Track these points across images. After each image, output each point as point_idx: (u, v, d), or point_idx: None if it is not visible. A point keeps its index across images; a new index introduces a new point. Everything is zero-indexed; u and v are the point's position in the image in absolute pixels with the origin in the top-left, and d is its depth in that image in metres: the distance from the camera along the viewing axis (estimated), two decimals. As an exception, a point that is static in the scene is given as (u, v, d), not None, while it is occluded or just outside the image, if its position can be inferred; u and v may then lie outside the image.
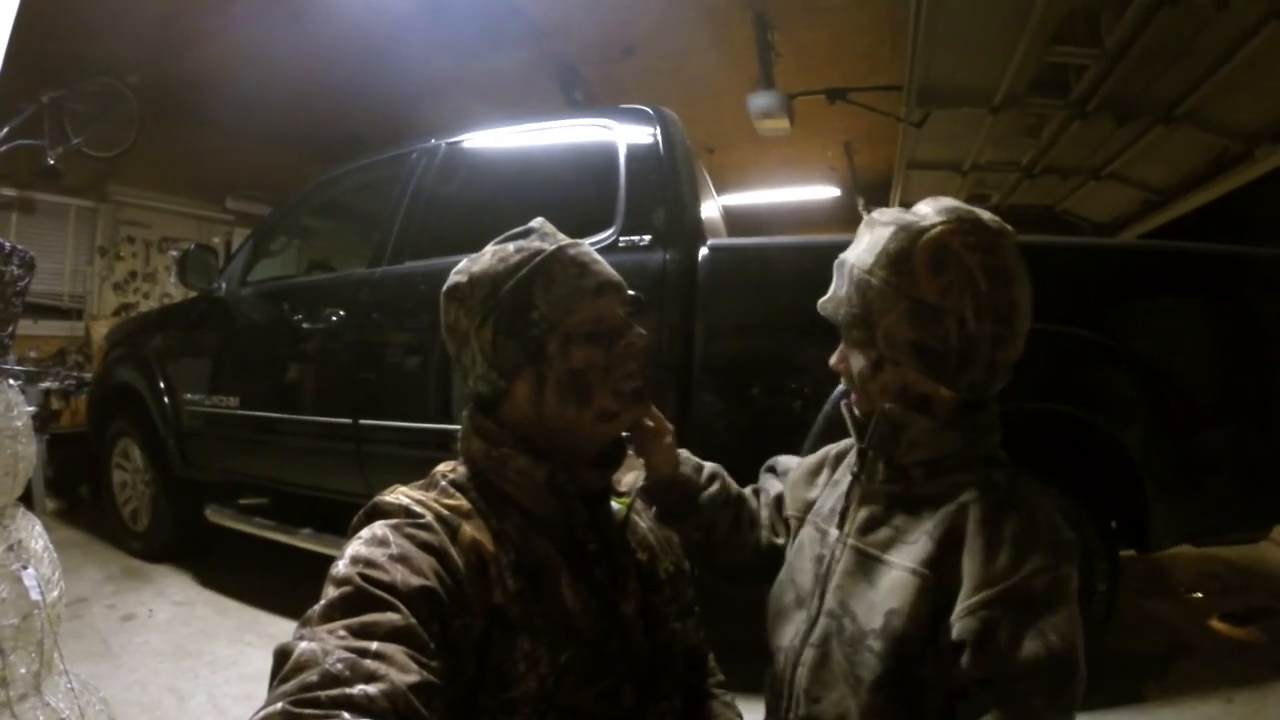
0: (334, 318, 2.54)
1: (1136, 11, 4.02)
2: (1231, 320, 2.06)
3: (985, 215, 0.79)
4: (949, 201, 0.80)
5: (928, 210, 0.80)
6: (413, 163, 2.67)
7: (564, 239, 0.83)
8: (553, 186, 2.51)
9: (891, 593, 0.76)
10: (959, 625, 0.70)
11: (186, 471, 3.03)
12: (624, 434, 0.87)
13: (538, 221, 0.85)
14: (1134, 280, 2.05)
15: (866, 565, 0.80)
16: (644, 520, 0.92)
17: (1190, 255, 2.15)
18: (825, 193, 8.46)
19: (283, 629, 2.51)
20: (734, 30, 4.73)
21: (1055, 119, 5.61)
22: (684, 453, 0.98)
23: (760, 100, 5.09)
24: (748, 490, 1.05)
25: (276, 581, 2.91)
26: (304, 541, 2.59)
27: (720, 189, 4.27)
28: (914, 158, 6.71)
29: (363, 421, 2.43)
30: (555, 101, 5.31)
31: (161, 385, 3.06)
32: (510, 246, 0.81)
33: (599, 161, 2.29)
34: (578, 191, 2.43)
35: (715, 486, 0.98)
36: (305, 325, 2.63)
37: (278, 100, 5.01)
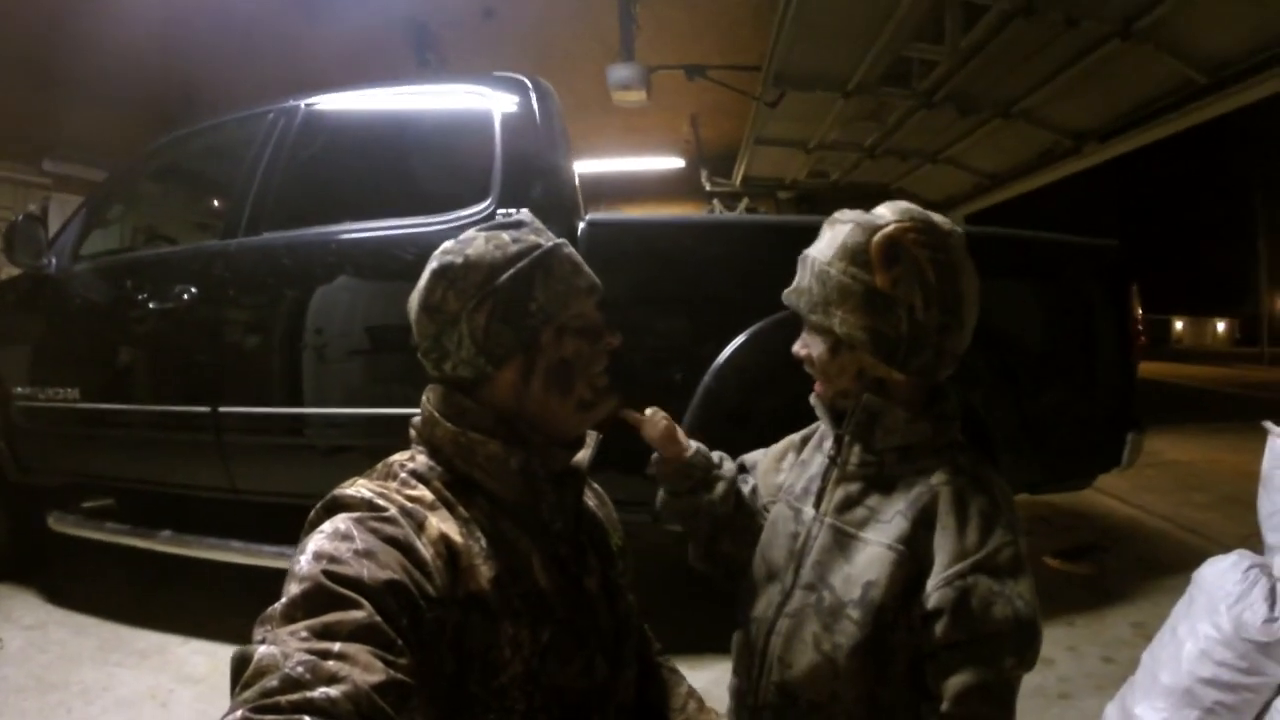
0: (185, 295, 2.33)
1: (994, 18, 4.38)
2: (1061, 298, 2.36)
3: (937, 218, 0.86)
4: (905, 205, 0.87)
5: (885, 212, 0.87)
6: (269, 124, 2.47)
7: (554, 237, 0.85)
8: (423, 155, 2.40)
9: (869, 566, 0.83)
10: (936, 595, 0.78)
11: (21, 476, 2.74)
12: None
13: (526, 215, 0.87)
14: (980, 261, 2.22)
15: (844, 542, 0.87)
16: (590, 498, 0.94)
17: (1027, 241, 2.41)
18: (670, 163, 8.74)
19: (151, 643, 2.35)
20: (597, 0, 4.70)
21: (901, 107, 6.04)
22: (692, 441, 1.04)
23: (620, 72, 5.16)
24: None
25: (133, 590, 2.70)
26: (166, 545, 2.38)
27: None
28: (763, 134, 7.04)
29: (223, 409, 2.27)
30: (405, 61, 5.09)
31: (-16, 378, 2.72)
32: (505, 235, 0.82)
33: (473, 131, 2.22)
34: (450, 160, 2.34)
35: (726, 468, 1.04)
36: (152, 304, 2.41)
37: (105, 51, 4.54)
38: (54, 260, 2.67)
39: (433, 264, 0.81)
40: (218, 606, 2.50)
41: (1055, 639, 2.34)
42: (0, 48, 4.61)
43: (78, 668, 2.22)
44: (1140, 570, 3.03)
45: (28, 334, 2.76)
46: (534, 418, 0.80)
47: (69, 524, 2.61)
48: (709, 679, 1.80)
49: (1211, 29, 4.33)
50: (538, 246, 0.81)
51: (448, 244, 0.83)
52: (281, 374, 2.26)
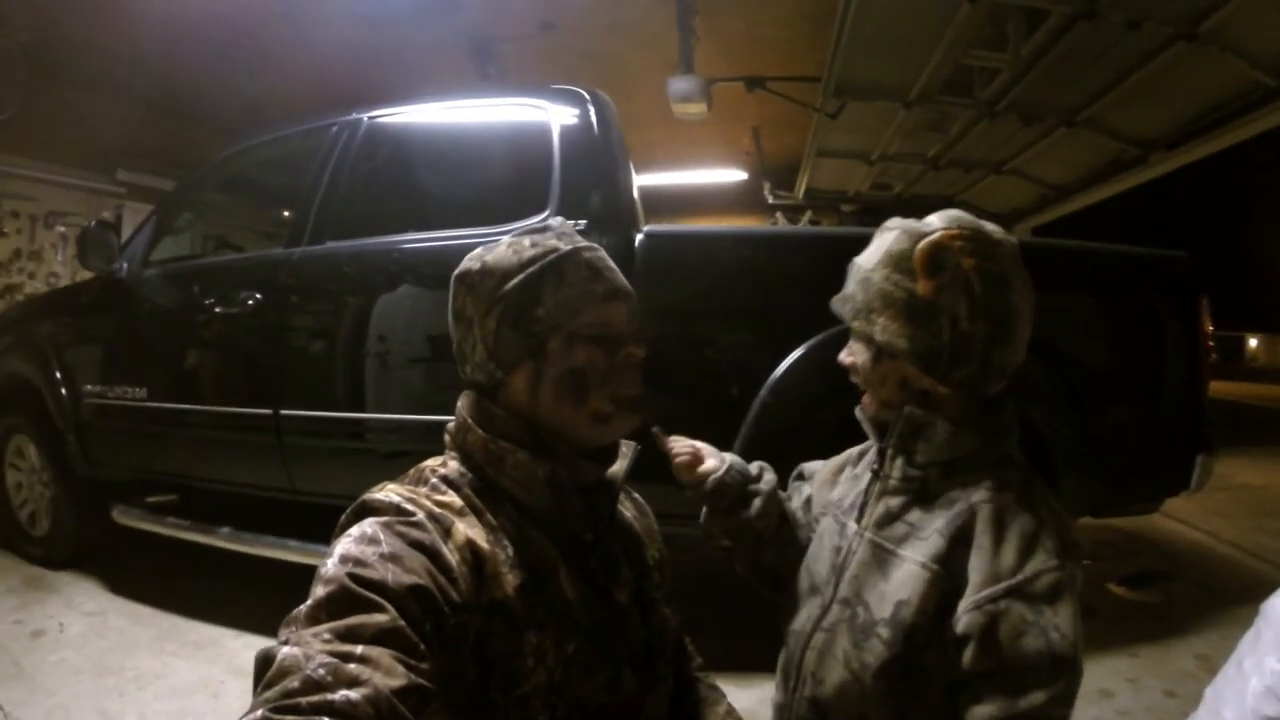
0: (250, 301, 2.41)
1: (1055, 22, 4.27)
2: (1126, 312, 2.25)
3: (989, 226, 0.83)
4: (956, 213, 0.84)
5: (934, 220, 0.84)
6: (333, 137, 2.53)
7: (581, 241, 0.82)
8: (483, 167, 2.44)
9: (903, 585, 0.80)
10: (965, 619, 0.74)
11: (89, 470, 2.83)
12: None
13: (557, 221, 0.86)
14: (1042, 274, 2.16)
15: (881, 558, 0.84)
16: (628, 509, 0.93)
17: (1090, 253, 2.32)
18: (732, 176, 8.65)
19: (204, 635, 2.41)
20: (656, 12, 4.74)
21: (963, 116, 5.89)
22: (729, 456, 1.00)
23: (680, 85, 5.16)
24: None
25: (191, 583, 2.77)
26: (223, 541, 2.46)
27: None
28: (825, 146, 6.95)
29: (284, 412, 2.33)
30: (467, 75, 5.18)
31: (58, 376, 2.84)
32: (526, 241, 0.81)
33: (532, 142, 2.24)
34: (509, 173, 2.36)
35: (765, 481, 1.01)
36: (218, 309, 2.48)
37: (176, 64, 4.73)
38: (125, 265, 2.78)
39: (458, 270, 0.82)
40: (272, 603, 2.53)
41: (1116, 670, 2.25)
42: (79, 64, 4.84)
43: (134, 655, 2.29)
44: (1208, 599, 2.89)
45: (98, 335, 2.87)
46: (551, 427, 0.79)
47: (132, 518, 2.71)
48: (756, 698, 1.77)
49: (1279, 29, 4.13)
50: (554, 251, 0.80)
51: (476, 250, 0.83)
52: (342, 379, 2.30)
